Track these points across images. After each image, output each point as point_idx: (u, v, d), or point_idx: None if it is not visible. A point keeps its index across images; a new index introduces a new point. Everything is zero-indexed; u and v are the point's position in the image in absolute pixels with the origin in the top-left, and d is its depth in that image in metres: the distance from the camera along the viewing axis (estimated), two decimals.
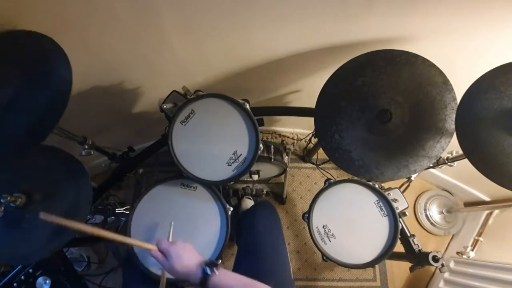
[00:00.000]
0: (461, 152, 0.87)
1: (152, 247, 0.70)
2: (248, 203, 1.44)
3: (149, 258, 0.88)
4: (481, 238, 1.44)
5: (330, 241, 1.00)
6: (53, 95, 0.66)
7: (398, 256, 1.08)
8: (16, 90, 0.66)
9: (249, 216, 1.02)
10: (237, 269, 0.89)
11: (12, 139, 0.67)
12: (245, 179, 1.39)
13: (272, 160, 1.16)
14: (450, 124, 0.81)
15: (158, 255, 0.68)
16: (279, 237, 0.97)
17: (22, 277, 0.92)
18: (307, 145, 1.62)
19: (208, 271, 0.64)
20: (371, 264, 0.96)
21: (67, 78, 0.66)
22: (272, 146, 1.18)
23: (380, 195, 1.02)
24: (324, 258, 0.98)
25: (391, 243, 0.97)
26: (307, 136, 1.59)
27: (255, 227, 0.97)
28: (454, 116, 0.78)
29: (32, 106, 0.66)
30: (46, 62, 0.67)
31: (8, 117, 0.66)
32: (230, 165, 0.92)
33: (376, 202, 1.02)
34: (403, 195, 1.05)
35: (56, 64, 0.67)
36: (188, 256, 0.67)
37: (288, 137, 1.72)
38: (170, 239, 0.82)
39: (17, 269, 0.92)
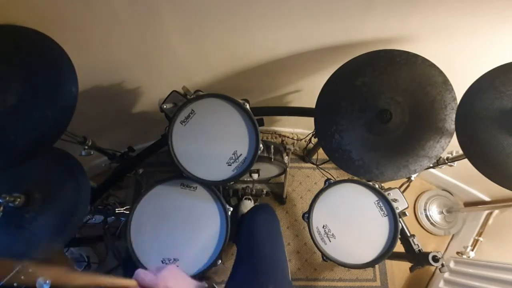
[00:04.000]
0: (461, 152, 0.87)
1: (130, 283, 0.55)
2: (248, 204, 1.44)
3: (149, 258, 0.88)
4: (481, 238, 1.44)
5: (330, 241, 1.00)
6: (59, 108, 0.66)
7: (398, 256, 1.08)
8: (22, 98, 0.66)
9: (247, 220, 1.02)
10: (235, 272, 0.89)
11: (14, 146, 0.66)
12: (245, 179, 1.39)
13: (272, 160, 1.16)
14: (450, 124, 0.81)
15: None
16: (278, 240, 0.97)
17: (22, 277, 0.91)
18: (307, 145, 1.62)
19: None
20: (371, 264, 0.96)
21: (73, 93, 0.66)
22: (272, 146, 1.18)
23: (380, 195, 1.02)
24: (324, 258, 0.98)
25: (391, 243, 0.97)
26: (307, 136, 1.59)
27: (253, 230, 0.97)
28: (454, 116, 0.77)
29: (36, 116, 0.66)
30: (55, 74, 0.67)
31: (10, 124, 0.66)
32: (230, 165, 0.92)
33: (376, 202, 1.02)
34: (403, 195, 1.05)
35: (64, 77, 0.67)
36: (181, 286, 0.58)
37: (288, 137, 1.72)
38: None
39: (17, 269, 0.92)
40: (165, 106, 0.93)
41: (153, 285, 0.55)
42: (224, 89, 1.06)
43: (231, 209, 0.96)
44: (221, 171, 0.92)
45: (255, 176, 1.28)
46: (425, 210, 1.64)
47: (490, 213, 1.48)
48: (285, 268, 0.90)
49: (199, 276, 0.88)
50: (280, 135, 1.71)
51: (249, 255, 0.91)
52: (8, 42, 0.68)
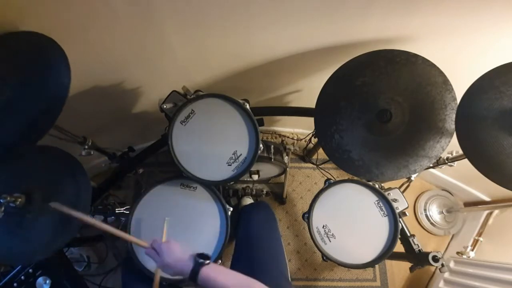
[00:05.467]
0: (461, 152, 0.87)
1: (145, 243, 0.73)
2: (248, 202, 1.44)
3: (148, 257, 0.88)
4: (481, 238, 1.44)
5: (330, 241, 1.00)
6: (50, 101, 0.66)
7: (398, 256, 1.08)
8: (14, 92, 0.65)
9: (244, 218, 1.02)
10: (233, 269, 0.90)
11: (3, 140, 0.66)
12: (245, 179, 1.39)
13: (272, 160, 1.16)
14: (450, 124, 0.81)
15: (151, 251, 0.71)
16: (275, 239, 0.97)
17: (22, 277, 0.92)
18: (307, 145, 1.62)
19: (200, 261, 0.65)
20: (371, 264, 0.96)
21: (65, 84, 0.65)
22: (272, 146, 1.18)
23: (380, 195, 1.02)
24: (324, 258, 0.98)
25: (391, 243, 0.97)
26: (307, 136, 1.59)
27: (250, 229, 0.97)
28: (454, 116, 0.77)
29: (28, 110, 0.66)
30: (47, 67, 0.67)
31: (3, 118, 0.66)
32: (230, 165, 0.92)
33: (376, 202, 1.02)
34: (403, 195, 1.05)
35: (56, 69, 0.66)
36: (179, 251, 0.69)
37: (288, 137, 1.72)
38: (165, 236, 0.84)
39: (17, 269, 0.92)
40: (165, 106, 0.93)
41: (158, 247, 0.70)
42: (224, 89, 1.06)
43: (231, 209, 0.96)
44: (221, 171, 0.92)
45: (255, 177, 1.28)
46: (425, 210, 1.64)
47: (490, 213, 1.48)
48: (283, 268, 0.90)
49: None
50: (280, 135, 1.71)
51: (245, 255, 0.92)
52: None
